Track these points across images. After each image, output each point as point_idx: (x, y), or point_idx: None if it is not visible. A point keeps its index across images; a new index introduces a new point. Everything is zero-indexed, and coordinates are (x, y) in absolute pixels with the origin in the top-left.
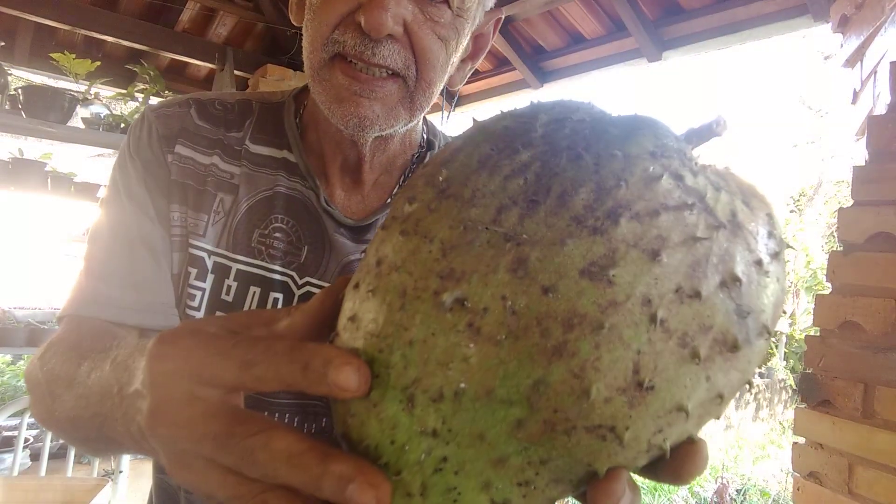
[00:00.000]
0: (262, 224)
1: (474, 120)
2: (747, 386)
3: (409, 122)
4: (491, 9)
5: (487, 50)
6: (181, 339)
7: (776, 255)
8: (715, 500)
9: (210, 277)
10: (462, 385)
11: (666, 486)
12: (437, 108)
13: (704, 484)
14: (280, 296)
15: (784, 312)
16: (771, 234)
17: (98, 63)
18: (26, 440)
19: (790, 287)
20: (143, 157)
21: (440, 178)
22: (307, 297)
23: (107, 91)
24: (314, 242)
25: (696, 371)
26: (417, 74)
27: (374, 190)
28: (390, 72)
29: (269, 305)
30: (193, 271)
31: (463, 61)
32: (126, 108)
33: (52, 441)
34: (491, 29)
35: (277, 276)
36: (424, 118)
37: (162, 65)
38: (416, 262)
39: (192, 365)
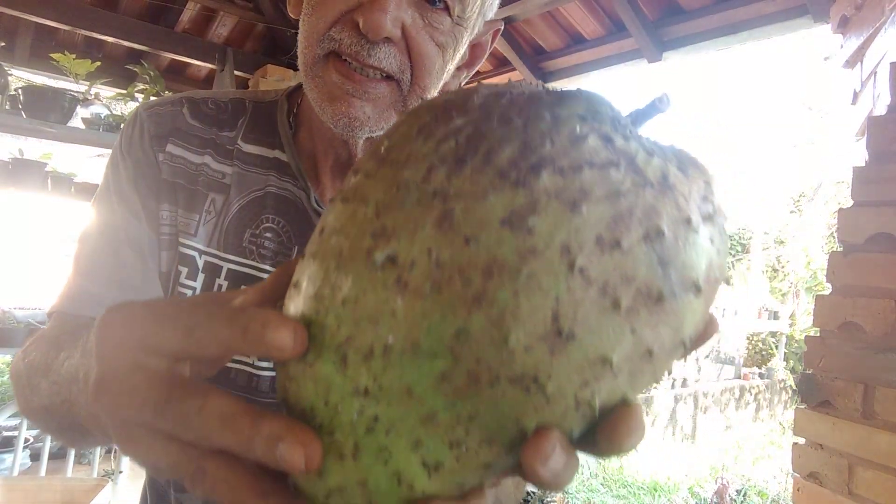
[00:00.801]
0: (254, 224)
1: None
2: (684, 349)
3: None
4: (491, 19)
5: (484, 59)
6: (129, 308)
7: (709, 217)
8: (715, 500)
9: (201, 277)
10: (390, 340)
11: (665, 486)
12: None
13: (704, 484)
14: None
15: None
16: (706, 199)
17: (98, 63)
18: (26, 440)
19: (790, 287)
20: (134, 156)
21: (382, 149)
22: None
23: (107, 91)
24: (304, 243)
25: (619, 322)
26: (412, 79)
27: None
28: (385, 74)
29: None
30: (184, 270)
31: (458, 69)
32: (126, 108)
33: (52, 441)
34: (489, 38)
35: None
36: None
37: (162, 65)
38: (352, 224)
39: (137, 334)
